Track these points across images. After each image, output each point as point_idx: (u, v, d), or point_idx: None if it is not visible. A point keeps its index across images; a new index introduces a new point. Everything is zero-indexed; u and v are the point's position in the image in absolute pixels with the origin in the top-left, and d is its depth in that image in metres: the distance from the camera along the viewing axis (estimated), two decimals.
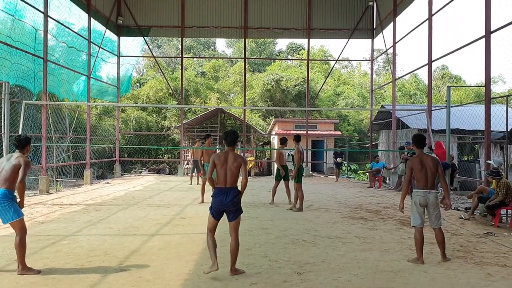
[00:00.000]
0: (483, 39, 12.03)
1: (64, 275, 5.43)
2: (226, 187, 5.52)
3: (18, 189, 5.55)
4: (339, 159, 20.69)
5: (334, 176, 21.40)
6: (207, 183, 12.13)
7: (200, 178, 16.07)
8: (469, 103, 20.55)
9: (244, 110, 25.81)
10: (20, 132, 12.44)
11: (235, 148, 5.71)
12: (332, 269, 5.82)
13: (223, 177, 5.53)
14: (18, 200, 5.59)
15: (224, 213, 5.59)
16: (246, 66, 25.55)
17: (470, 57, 53.07)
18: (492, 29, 11.76)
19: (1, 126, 11.96)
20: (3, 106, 11.82)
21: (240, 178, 5.66)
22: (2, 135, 12.03)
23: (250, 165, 25.40)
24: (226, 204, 5.47)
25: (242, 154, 25.00)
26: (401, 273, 5.71)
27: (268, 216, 9.93)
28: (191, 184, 17.18)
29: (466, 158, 21.94)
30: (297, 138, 11.25)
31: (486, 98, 11.91)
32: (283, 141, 11.93)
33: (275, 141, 29.30)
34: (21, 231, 5.53)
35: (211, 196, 5.61)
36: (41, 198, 12.87)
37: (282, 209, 10.99)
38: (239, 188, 5.64)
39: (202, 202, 11.97)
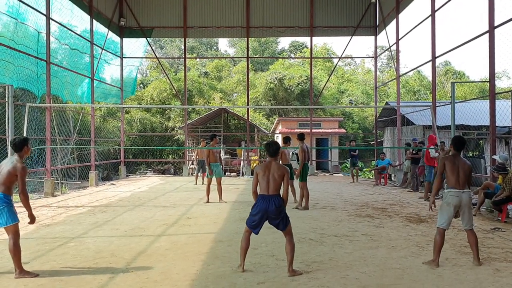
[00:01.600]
0: (487, 34, 11.97)
1: (72, 277, 5.43)
2: (269, 194, 5.53)
3: (21, 201, 5.53)
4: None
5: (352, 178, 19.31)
6: (212, 183, 12.24)
7: (205, 178, 16.08)
8: (474, 98, 20.50)
9: (248, 109, 25.81)
10: (24, 135, 12.48)
11: (278, 159, 5.64)
12: (340, 267, 5.81)
13: (265, 184, 5.55)
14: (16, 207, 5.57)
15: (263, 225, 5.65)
16: (249, 66, 25.53)
17: (474, 52, 52.95)
18: (495, 24, 11.69)
19: (6, 129, 11.98)
20: (7, 109, 11.84)
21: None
22: (7, 138, 12.05)
23: (254, 164, 25.38)
24: (271, 211, 5.48)
25: (246, 154, 25.06)
26: (409, 270, 5.69)
27: None
28: (196, 184, 17.19)
29: (471, 154, 21.86)
30: (301, 137, 11.21)
31: (491, 93, 11.85)
32: (286, 140, 11.87)
33: (279, 140, 29.27)
34: (15, 235, 5.50)
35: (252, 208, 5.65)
36: (46, 201, 12.90)
37: (288, 208, 10.93)
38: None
39: (208, 202, 11.97)
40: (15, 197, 5.96)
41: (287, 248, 5.54)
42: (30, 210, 5.65)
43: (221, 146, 25.76)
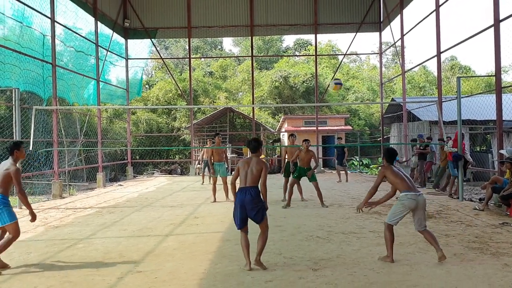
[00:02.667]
0: (492, 28, 11.91)
1: (80, 278, 5.46)
2: (246, 186, 5.73)
3: (20, 200, 6.03)
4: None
5: (338, 176, 17.99)
6: (217, 181, 12.26)
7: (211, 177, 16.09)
8: (480, 93, 20.40)
9: (253, 108, 25.81)
10: (31, 138, 12.55)
11: (260, 154, 6.04)
12: (348, 264, 5.80)
13: (244, 177, 5.81)
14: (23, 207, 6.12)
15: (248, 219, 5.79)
16: (254, 64, 25.53)
17: (480, 47, 52.62)
18: (500, 18, 11.63)
19: (13, 132, 12.06)
20: (13, 113, 11.92)
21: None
22: None
23: None
24: (247, 201, 5.64)
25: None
26: (417, 266, 5.68)
27: (281, 214, 9.92)
28: (203, 183, 17.21)
29: (478, 149, 21.77)
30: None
31: (497, 87, 11.79)
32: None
33: (285, 138, 29.27)
34: (15, 233, 5.87)
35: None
36: (54, 203, 12.97)
37: (295, 206, 10.96)
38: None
39: (215, 201, 11.99)
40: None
41: (260, 240, 5.72)
42: (30, 208, 6.09)
43: (227, 146, 25.78)
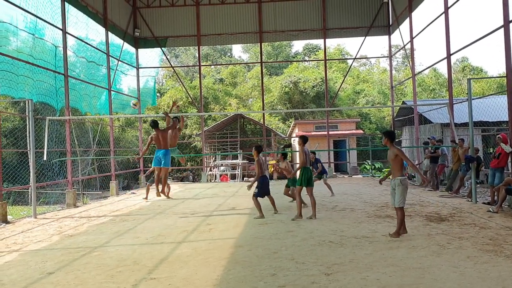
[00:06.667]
0: (502, 29, 11.86)
1: (95, 285, 5.52)
2: None
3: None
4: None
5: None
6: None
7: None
8: (491, 94, 20.24)
9: (263, 114, 25.85)
10: (45, 148, 12.72)
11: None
12: (360, 269, 5.80)
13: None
14: None
15: None
16: (263, 70, 25.61)
17: (491, 47, 52.31)
18: (510, 18, 11.58)
19: (27, 143, 12.24)
20: (27, 123, 12.09)
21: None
22: (28, 151, 12.30)
23: (272, 169, 25.39)
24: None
25: (263, 158, 25.09)
26: (430, 269, 5.66)
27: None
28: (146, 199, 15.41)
29: (491, 151, 21.58)
30: (304, 140, 10.42)
31: (508, 88, 11.71)
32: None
33: (295, 143, 29.23)
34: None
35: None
36: (68, 212, 13.08)
37: (307, 212, 10.94)
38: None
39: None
40: None
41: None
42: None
43: (239, 152, 25.86)
